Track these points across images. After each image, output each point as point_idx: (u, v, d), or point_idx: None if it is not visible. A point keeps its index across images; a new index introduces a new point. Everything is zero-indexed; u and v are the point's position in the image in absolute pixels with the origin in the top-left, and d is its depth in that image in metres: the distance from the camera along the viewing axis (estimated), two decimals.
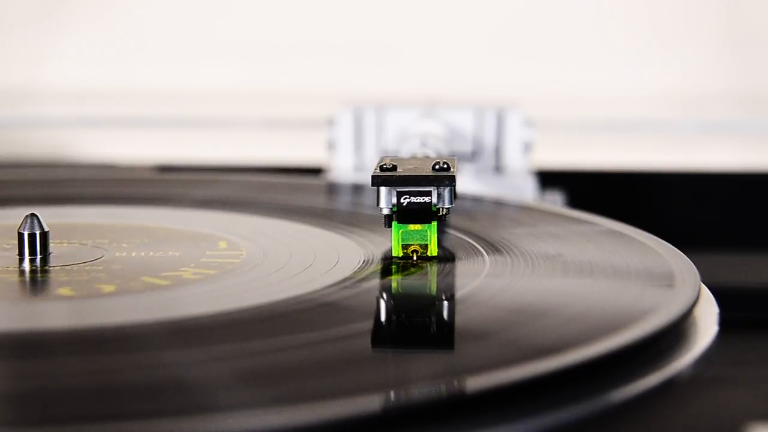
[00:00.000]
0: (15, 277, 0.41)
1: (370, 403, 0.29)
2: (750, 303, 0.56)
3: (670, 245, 0.44)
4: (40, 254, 0.42)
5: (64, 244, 0.45)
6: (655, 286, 0.39)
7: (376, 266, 0.42)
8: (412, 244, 0.42)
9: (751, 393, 0.37)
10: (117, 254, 0.44)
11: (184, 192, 0.57)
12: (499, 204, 0.54)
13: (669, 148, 0.76)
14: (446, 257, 0.43)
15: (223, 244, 0.45)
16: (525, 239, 0.45)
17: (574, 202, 0.64)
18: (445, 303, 0.39)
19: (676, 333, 0.35)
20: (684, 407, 0.34)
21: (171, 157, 0.75)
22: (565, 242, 0.45)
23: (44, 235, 0.43)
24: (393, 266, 0.42)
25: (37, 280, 0.41)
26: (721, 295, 0.39)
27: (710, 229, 0.71)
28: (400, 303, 0.39)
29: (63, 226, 0.48)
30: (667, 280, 0.39)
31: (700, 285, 0.39)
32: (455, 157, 0.46)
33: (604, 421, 0.31)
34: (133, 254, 0.44)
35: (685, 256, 0.42)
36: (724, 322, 0.37)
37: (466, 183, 0.61)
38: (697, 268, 0.40)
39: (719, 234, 0.70)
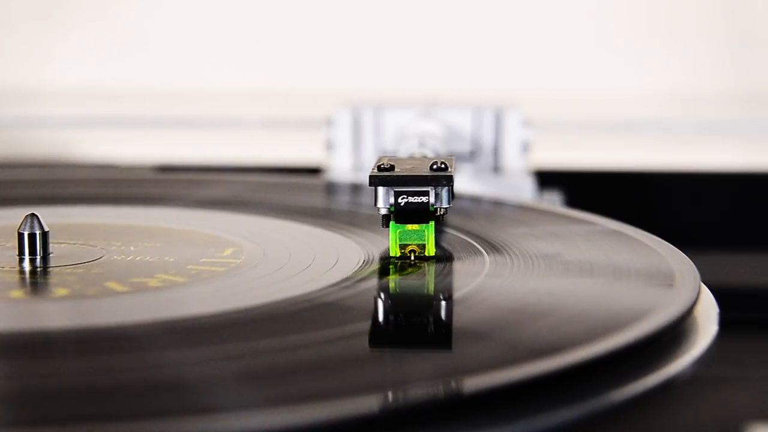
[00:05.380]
0: (15, 277, 0.41)
1: (368, 403, 0.29)
2: (750, 303, 0.56)
3: (670, 245, 0.44)
4: (40, 254, 0.42)
5: (64, 244, 0.45)
6: (655, 285, 0.39)
7: (375, 266, 0.42)
8: (409, 244, 0.42)
9: (751, 393, 0.37)
10: (117, 254, 0.44)
11: (184, 192, 0.57)
12: (497, 204, 0.54)
13: (669, 148, 0.76)
14: (444, 257, 0.43)
15: (222, 244, 0.45)
16: (524, 239, 0.45)
17: (573, 202, 0.64)
18: (443, 303, 0.39)
19: (676, 333, 0.35)
20: (684, 407, 0.34)
21: (171, 157, 0.75)
22: (564, 242, 0.45)
23: (44, 235, 0.43)
24: (391, 266, 0.42)
25: (37, 280, 0.41)
26: (721, 295, 0.39)
27: (710, 229, 0.71)
28: (398, 303, 0.39)
29: (63, 226, 0.48)
30: (667, 280, 0.39)
31: (700, 285, 0.39)
32: (453, 157, 0.46)
33: (604, 421, 0.31)
34: (133, 254, 0.44)
35: (685, 255, 0.42)
36: (724, 322, 0.37)
37: (465, 183, 0.61)
38: (697, 268, 0.40)
39: (719, 234, 0.70)
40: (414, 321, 0.37)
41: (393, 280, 0.41)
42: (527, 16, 0.80)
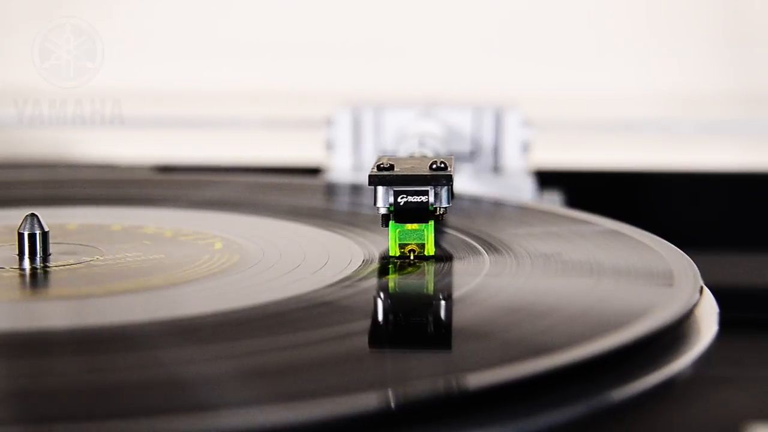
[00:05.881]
0: (15, 277, 0.41)
1: (368, 402, 0.29)
2: (750, 303, 0.56)
3: (670, 244, 0.44)
4: (40, 254, 0.42)
5: (64, 244, 0.45)
6: (655, 285, 0.39)
7: (374, 266, 0.42)
8: (409, 244, 0.42)
9: (751, 393, 0.37)
10: (116, 254, 0.44)
11: (184, 192, 0.57)
12: (497, 204, 0.54)
13: (669, 148, 0.76)
14: (444, 257, 0.43)
15: (221, 244, 0.45)
16: (524, 239, 0.45)
17: (573, 202, 0.64)
18: (443, 302, 0.39)
19: (676, 333, 0.35)
20: (684, 407, 0.34)
21: (171, 157, 0.76)
22: (564, 242, 0.45)
23: (44, 235, 0.43)
24: (390, 266, 0.42)
25: (37, 280, 0.41)
26: (721, 295, 0.39)
27: (710, 229, 0.71)
28: (397, 303, 0.39)
29: (63, 226, 0.48)
30: (667, 280, 0.39)
31: (700, 285, 0.39)
32: (452, 157, 0.46)
33: (604, 421, 0.31)
34: (133, 254, 0.44)
35: (685, 255, 0.42)
36: (724, 322, 0.37)
37: (465, 183, 0.61)
38: (697, 268, 0.40)
39: (719, 234, 0.70)
40: (413, 320, 0.37)
41: (393, 280, 0.41)
42: (527, 16, 0.80)
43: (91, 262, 0.42)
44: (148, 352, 0.33)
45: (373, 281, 0.40)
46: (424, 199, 0.42)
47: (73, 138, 0.81)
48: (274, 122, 0.76)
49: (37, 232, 0.43)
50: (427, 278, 0.41)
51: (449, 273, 0.41)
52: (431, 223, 0.42)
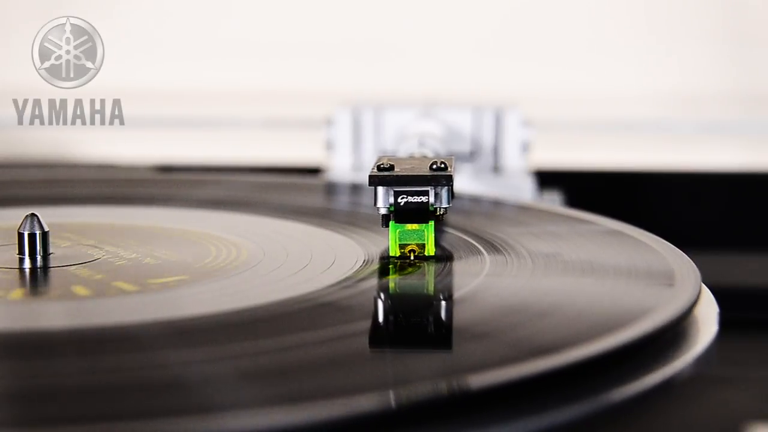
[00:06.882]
0: (15, 277, 0.41)
1: (368, 402, 0.29)
2: (750, 303, 0.56)
3: (670, 245, 0.44)
4: (40, 254, 0.42)
5: (64, 244, 0.45)
6: (655, 285, 0.39)
7: (375, 266, 0.42)
8: (409, 244, 0.42)
9: (751, 393, 0.37)
10: (117, 254, 0.44)
11: (184, 192, 0.57)
12: (497, 204, 0.54)
13: (669, 148, 0.76)
14: (444, 257, 0.43)
15: (222, 244, 0.45)
16: (524, 239, 0.45)
17: (573, 202, 0.64)
18: (443, 303, 0.39)
19: (676, 332, 0.35)
20: (684, 407, 0.34)
21: (171, 157, 0.75)
22: (564, 242, 0.45)
23: (44, 235, 0.43)
24: (390, 266, 0.42)
25: (37, 280, 0.41)
26: (721, 295, 0.39)
27: (710, 229, 0.71)
28: (398, 303, 0.39)
29: (63, 226, 0.48)
30: (667, 280, 0.39)
31: (700, 285, 0.39)
32: (453, 157, 0.46)
33: (604, 421, 0.31)
34: (133, 254, 0.44)
35: (685, 255, 0.42)
36: (724, 322, 0.37)
37: (465, 183, 0.61)
38: (697, 268, 0.40)
39: (719, 234, 0.70)
40: (414, 321, 0.37)
41: (393, 280, 0.41)
42: (527, 16, 0.80)
43: (92, 262, 0.42)
44: (147, 353, 0.33)
45: (374, 281, 0.40)
46: (424, 199, 0.42)
47: (73, 138, 0.81)
48: (274, 122, 0.76)
49: (37, 232, 0.43)
50: (428, 278, 0.41)
51: (449, 273, 0.41)
52: (431, 223, 0.42)
